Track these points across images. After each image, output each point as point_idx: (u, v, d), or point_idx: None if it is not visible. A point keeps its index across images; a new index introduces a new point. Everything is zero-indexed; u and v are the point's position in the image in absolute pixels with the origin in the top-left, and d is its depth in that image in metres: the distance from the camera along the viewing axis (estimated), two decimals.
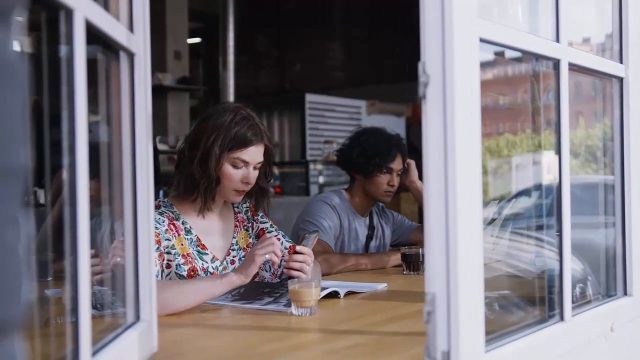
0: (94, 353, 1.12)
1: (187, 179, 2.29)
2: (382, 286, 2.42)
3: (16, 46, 0.63)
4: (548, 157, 1.98)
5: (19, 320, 0.60)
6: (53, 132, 1.07)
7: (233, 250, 2.43)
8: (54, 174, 1.20)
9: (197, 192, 2.29)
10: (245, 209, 2.52)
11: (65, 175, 1.04)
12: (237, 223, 2.47)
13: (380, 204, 3.28)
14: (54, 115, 1.06)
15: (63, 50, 1.05)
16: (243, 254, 2.43)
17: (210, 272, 2.30)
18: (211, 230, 2.38)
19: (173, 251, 2.22)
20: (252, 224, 2.51)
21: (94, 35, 1.15)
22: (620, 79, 1.88)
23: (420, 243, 3.06)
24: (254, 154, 2.30)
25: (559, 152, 1.59)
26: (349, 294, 2.25)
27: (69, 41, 1.04)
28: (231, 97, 8.99)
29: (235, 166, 2.28)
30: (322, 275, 2.71)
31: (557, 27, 1.58)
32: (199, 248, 2.31)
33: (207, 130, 2.26)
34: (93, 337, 1.08)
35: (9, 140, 0.60)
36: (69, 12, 1.03)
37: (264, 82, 10.96)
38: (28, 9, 0.69)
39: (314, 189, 7.65)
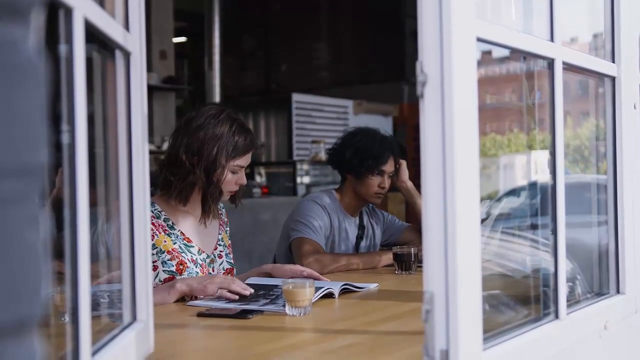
0: (93, 353, 1.12)
1: (189, 187, 2.35)
2: (374, 286, 2.42)
3: (35, 44, 0.63)
4: (536, 157, 1.99)
5: (38, 319, 0.60)
6: (51, 132, 1.06)
7: (220, 245, 2.51)
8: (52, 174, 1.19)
9: (191, 197, 2.37)
10: (224, 214, 2.62)
11: (65, 174, 1.04)
12: (221, 222, 2.56)
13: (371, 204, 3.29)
14: (52, 114, 1.05)
15: (61, 48, 1.05)
16: (228, 250, 2.54)
17: (199, 264, 2.36)
18: (196, 227, 2.44)
19: (155, 250, 2.25)
20: (227, 229, 2.62)
21: (91, 34, 1.15)
22: (613, 78, 1.89)
23: (410, 243, 3.06)
24: (250, 158, 2.42)
25: (553, 151, 1.59)
26: (344, 292, 2.26)
27: (68, 40, 1.03)
28: (217, 97, 8.97)
29: (233, 172, 2.38)
30: None
31: (552, 27, 1.58)
32: (184, 242, 2.37)
33: (207, 140, 2.31)
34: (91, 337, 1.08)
35: (30, 139, 0.59)
36: (69, 11, 1.02)
37: (250, 82, 10.96)
38: (46, 8, 0.68)
39: (301, 189, 7.63)
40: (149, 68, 7.78)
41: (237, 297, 2.10)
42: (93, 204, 1.36)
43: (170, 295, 2.13)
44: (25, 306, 0.58)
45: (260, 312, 1.96)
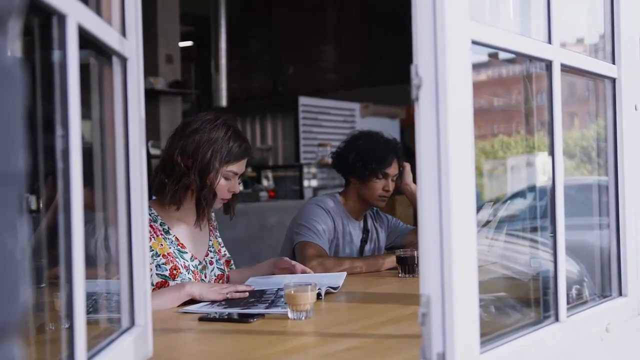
0: (90, 358, 1.12)
1: (183, 189, 2.36)
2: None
3: (13, 52, 0.63)
4: (542, 159, 1.98)
5: (17, 325, 0.60)
6: (46, 138, 1.07)
7: (210, 251, 2.53)
8: (46, 180, 1.20)
9: (184, 201, 2.39)
10: (213, 218, 2.64)
11: (59, 181, 1.04)
12: (211, 228, 2.58)
13: (375, 208, 3.28)
14: (46, 120, 1.06)
15: (56, 55, 1.05)
16: (218, 257, 2.55)
17: (191, 271, 2.39)
18: (189, 233, 2.46)
19: (151, 252, 2.26)
20: (216, 234, 2.63)
21: (86, 40, 1.15)
22: (613, 80, 1.88)
23: (414, 245, 3.06)
24: (244, 166, 2.44)
25: (552, 153, 1.59)
26: (328, 293, 2.29)
27: (61, 46, 1.04)
28: (224, 101, 8.97)
29: (226, 178, 2.40)
30: None
31: (549, 29, 1.58)
32: (179, 247, 2.39)
33: (202, 143, 2.34)
34: (88, 342, 1.08)
35: (8, 145, 0.60)
36: (62, 18, 1.03)
37: (257, 86, 10.96)
38: (24, 15, 0.69)
39: (308, 193, 7.63)
40: (155, 72, 7.79)
41: (247, 294, 2.22)
42: (94, 209, 1.37)
43: (180, 297, 2.15)
44: (3, 312, 0.59)
45: (262, 315, 1.96)
